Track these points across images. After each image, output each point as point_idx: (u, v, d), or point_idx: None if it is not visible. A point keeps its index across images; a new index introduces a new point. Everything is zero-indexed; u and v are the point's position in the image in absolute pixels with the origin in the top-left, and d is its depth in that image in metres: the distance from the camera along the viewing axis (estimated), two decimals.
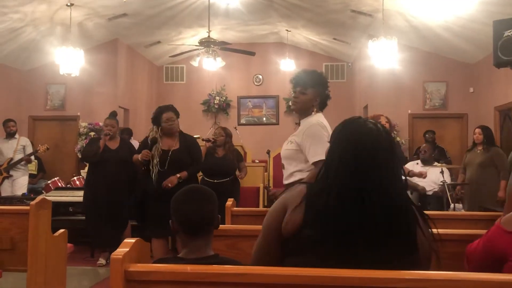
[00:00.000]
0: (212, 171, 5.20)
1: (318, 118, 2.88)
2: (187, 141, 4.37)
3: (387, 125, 4.52)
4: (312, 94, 2.91)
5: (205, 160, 5.16)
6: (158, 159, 4.17)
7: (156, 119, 4.29)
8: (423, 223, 1.44)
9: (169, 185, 4.07)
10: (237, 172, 5.50)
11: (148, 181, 4.16)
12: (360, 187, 1.37)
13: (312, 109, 2.92)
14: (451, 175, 6.50)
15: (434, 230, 1.46)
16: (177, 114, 4.32)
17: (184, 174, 4.17)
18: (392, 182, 1.40)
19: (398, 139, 8.04)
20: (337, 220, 1.35)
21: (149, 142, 4.23)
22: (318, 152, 2.66)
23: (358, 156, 1.40)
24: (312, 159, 2.74)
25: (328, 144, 1.55)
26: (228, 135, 5.52)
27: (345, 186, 1.38)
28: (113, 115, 5.23)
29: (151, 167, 4.20)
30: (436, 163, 6.09)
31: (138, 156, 4.24)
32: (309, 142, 2.78)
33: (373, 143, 1.42)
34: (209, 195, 1.74)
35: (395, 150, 1.47)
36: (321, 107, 2.97)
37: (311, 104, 2.92)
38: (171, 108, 4.33)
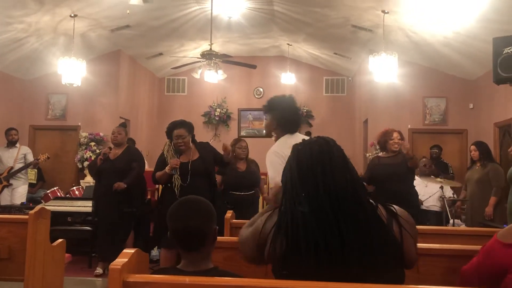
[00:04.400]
0: (238, 185, 5.06)
1: (278, 144, 2.98)
2: (205, 149, 4.37)
3: (399, 142, 4.48)
4: (269, 119, 3.07)
5: (229, 174, 5.10)
6: (178, 173, 4.14)
7: (168, 135, 4.30)
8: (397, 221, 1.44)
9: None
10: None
11: (172, 196, 4.04)
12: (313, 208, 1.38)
13: (271, 133, 3.06)
14: (451, 190, 6.49)
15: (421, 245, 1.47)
16: (189, 128, 4.28)
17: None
18: (344, 193, 1.39)
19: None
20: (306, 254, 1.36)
21: (176, 154, 4.23)
22: (272, 176, 2.83)
23: (303, 179, 1.43)
24: (271, 186, 2.91)
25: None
26: (247, 148, 5.51)
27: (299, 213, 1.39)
28: (123, 125, 5.32)
29: (173, 180, 4.15)
30: (433, 177, 6.08)
31: (166, 169, 4.15)
32: (269, 170, 2.91)
33: (312, 159, 1.45)
34: (199, 209, 1.67)
35: (341, 151, 1.49)
36: (285, 129, 3.04)
37: (269, 128, 3.08)
38: (182, 124, 4.26)
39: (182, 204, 1.68)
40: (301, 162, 1.46)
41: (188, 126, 4.30)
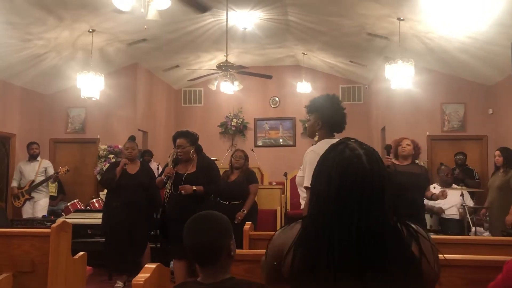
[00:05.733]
0: (225, 194, 5.18)
1: (318, 145, 2.82)
2: (204, 164, 4.36)
3: (409, 148, 4.46)
4: (313, 119, 2.93)
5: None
6: (171, 181, 4.22)
7: (174, 143, 4.38)
8: (426, 247, 1.35)
9: (182, 191, 4.10)
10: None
11: (164, 202, 4.30)
12: (347, 228, 1.27)
13: (315, 134, 2.93)
14: (472, 197, 6.39)
15: (440, 256, 1.41)
16: (191, 139, 4.31)
17: (200, 188, 4.17)
18: (377, 219, 1.29)
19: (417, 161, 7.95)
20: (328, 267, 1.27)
21: (172, 162, 4.30)
22: (308, 178, 2.63)
23: (340, 194, 1.30)
24: (304, 184, 2.74)
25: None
26: (246, 157, 5.54)
27: (331, 229, 1.29)
28: (133, 138, 5.32)
29: (165, 187, 4.27)
30: (455, 186, 6.00)
31: (162, 176, 4.32)
32: (305, 169, 2.77)
33: (356, 179, 1.30)
34: (212, 225, 1.65)
35: (381, 180, 1.33)
36: (331, 129, 2.92)
37: (314, 129, 2.94)
38: (184, 134, 4.33)
39: (196, 220, 1.68)
40: (345, 179, 1.30)
41: (190, 137, 4.33)
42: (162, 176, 4.29)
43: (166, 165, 4.47)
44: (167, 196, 4.24)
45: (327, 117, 2.90)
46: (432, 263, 1.34)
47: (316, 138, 2.91)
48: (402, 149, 4.45)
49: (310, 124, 2.98)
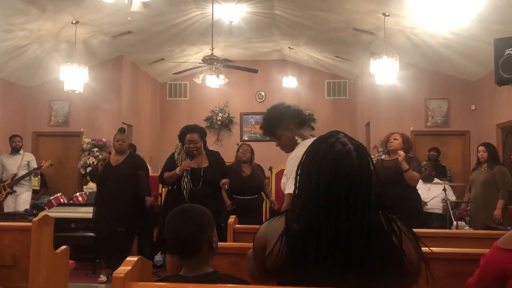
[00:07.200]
0: (242, 189, 5.12)
1: (300, 149, 2.82)
2: (213, 157, 4.41)
3: (396, 142, 4.52)
4: (282, 133, 2.95)
5: (233, 178, 5.05)
6: (189, 177, 4.16)
7: (181, 138, 4.33)
8: (409, 239, 1.38)
9: (226, 186, 4.26)
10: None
11: (180, 198, 4.11)
12: (335, 222, 1.29)
13: (294, 141, 2.93)
14: (454, 192, 6.48)
15: (425, 249, 1.42)
16: (201, 134, 4.33)
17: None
18: (364, 212, 1.31)
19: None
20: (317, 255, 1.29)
21: (187, 157, 4.25)
22: (289, 184, 2.70)
23: (329, 188, 1.31)
24: (286, 191, 2.76)
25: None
26: (252, 151, 5.53)
27: (318, 220, 1.31)
28: (122, 131, 5.28)
29: (182, 183, 4.18)
30: (437, 180, 6.08)
31: (176, 171, 4.21)
32: (289, 176, 2.80)
33: (344, 175, 1.31)
34: (191, 218, 1.66)
35: (369, 176, 1.35)
36: (300, 126, 2.96)
37: (289, 140, 2.95)
38: (195, 129, 4.32)
39: (175, 214, 1.70)
40: (335, 175, 1.32)
41: (201, 132, 4.36)
42: (177, 171, 4.19)
43: (172, 160, 4.38)
44: (186, 192, 4.15)
45: (292, 117, 2.94)
46: (412, 259, 1.36)
47: (299, 141, 2.91)
48: (389, 144, 4.54)
49: (283, 141, 2.97)
